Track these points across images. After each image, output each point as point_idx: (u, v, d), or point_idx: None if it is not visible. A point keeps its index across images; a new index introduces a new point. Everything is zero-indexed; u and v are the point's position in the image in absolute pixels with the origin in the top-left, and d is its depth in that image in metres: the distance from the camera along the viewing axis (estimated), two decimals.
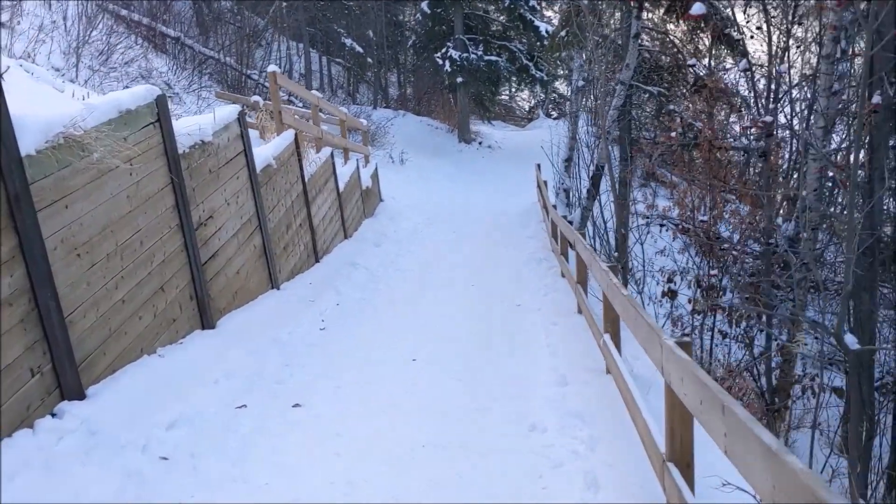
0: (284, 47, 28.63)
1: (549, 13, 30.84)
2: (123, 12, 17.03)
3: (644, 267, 9.48)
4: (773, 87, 9.71)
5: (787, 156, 9.40)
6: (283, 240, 9.14)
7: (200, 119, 7.13)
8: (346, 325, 8.01)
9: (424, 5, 25.10)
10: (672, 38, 14.93)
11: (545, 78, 26.74)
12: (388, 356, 6.85)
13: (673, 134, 10.62)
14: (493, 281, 10.25)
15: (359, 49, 28.58)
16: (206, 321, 6.69)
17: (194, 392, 5.45)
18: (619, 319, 5.17)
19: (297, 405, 5.48)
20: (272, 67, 9.79)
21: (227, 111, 7.88)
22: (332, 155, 12.11)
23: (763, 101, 10.26)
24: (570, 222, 13.52)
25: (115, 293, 5.23)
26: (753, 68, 9.34)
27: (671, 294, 8.91)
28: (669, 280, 8.99)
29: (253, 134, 12.91)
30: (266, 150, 8.93)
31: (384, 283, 10.37)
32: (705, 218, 9.68)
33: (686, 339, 3.17)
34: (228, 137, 7.67)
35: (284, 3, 23.96)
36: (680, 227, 10.14)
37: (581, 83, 16.37)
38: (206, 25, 24.99)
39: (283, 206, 9.32)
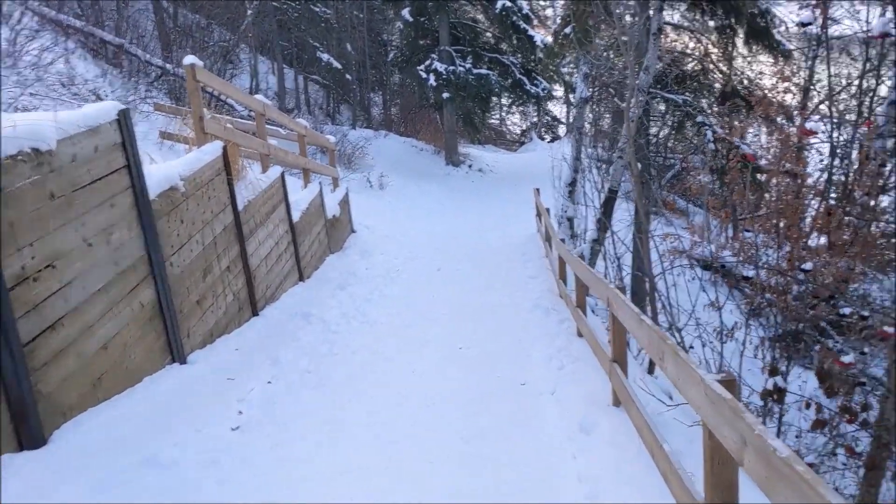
0: (264, 68, 26.20)
1: (541, 30, 28.57)
2: (51, 13, 14.56)
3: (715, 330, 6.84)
4: None
5: None
6: (195, 290, 6.59)
7: (23, 117, 4.59)
8: (275, 423, 5.46)
9: (406, 13, 22.67)
10: (698, 36, 12.57)
11: (541, 94, 24.25)
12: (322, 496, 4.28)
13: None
14: (489, 342, 7.71)
15: (337, 65, 26.14)
16: (27, 436, 4.14)
17: None
18: (735, 485, 2.64)
19: None
20: (189, 59, 7.28)
21: (96, 108, 5.37)
22: (282, 176, 9.60)
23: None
24: (582, 257, 11.04)
25: None
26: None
27: (778, 394, 6.16)
28: (774, 372, 6.19)
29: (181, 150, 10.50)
30: (170, 168, 6.40)
31: (343, 344, 7.81)
32: (808, 266, 7.03)
33: None
34: (96, 146, 5.16)
35: (249, 11, 21.51)
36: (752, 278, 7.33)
37: (587, 93, 13.96)
38: (168, 40, 22.62)
39: (199, 243, 6.79)
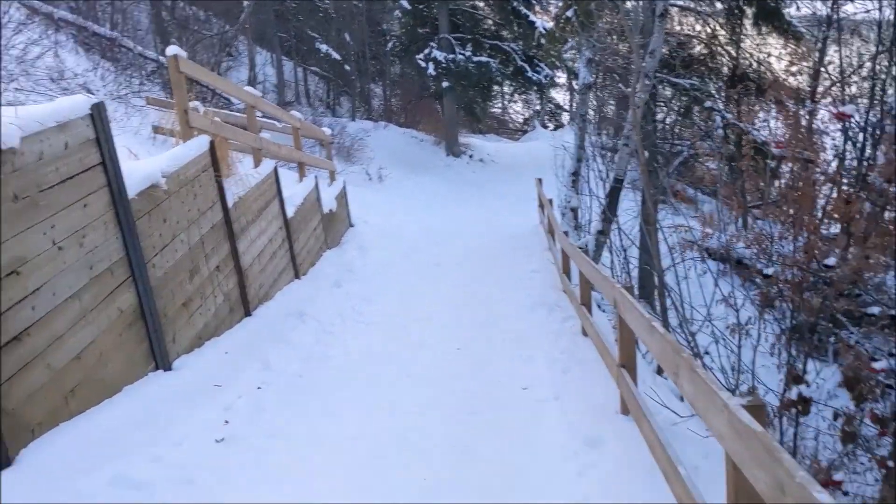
0: (262, 60, 25.79)
1: (543, 16, 28.14)
2: (42, 6, 14.22)
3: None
4: None
5: None
6: (181, 292, 6.27)
7: None
8: (262, 434, 5.15)
9: (404, 1, 22.25)
10: (705, 18, 12.18)
11: (543, 81, 23.79)
12: None
13: None
14: (489, 342, 7.38)
15: (336, 56, 25.73)
16: None
17: None
18: None
19: None
20: (172, 49, 6.95)
21: (67, 102, 5.04)
22: (275, 171, 9.27)
23: None
24: (586, 251, 10.69)
25: None
26: None
27: (803, 405, 5.71)
28: (797, 380, 5.62)
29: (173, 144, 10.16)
30: (151, 165, 6.08)
31: (339, 345, 7.50)
32: (831, 262, 6.62)
33: None
34: (66, 143, 4.83)
35: (247, 2, 21.13)
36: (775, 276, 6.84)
37: (590, 79, 13.59)
38: (165, 33, 22.27)
39: (185, 243, 6.46)
